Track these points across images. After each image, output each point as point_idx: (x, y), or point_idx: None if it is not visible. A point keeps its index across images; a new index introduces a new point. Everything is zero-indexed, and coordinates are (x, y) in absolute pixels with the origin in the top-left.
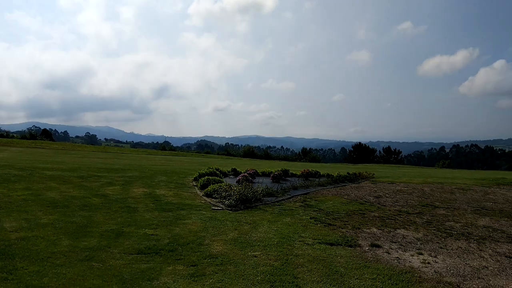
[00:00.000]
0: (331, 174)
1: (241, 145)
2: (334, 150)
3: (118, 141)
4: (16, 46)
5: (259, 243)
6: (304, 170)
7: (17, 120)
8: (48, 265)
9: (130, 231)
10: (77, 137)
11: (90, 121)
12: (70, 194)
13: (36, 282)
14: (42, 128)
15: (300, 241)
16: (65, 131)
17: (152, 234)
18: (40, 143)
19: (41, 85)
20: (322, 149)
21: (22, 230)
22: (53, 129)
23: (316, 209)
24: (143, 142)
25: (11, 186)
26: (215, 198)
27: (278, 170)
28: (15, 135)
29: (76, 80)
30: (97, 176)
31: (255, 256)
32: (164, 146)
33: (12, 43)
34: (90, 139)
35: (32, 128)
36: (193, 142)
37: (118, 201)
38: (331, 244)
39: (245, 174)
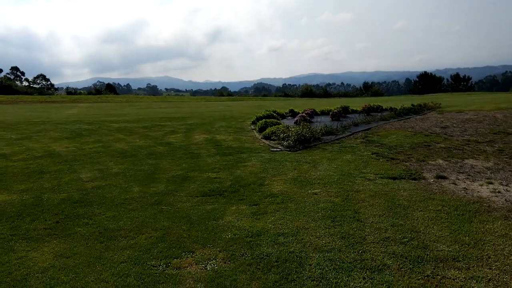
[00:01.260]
0: (394, 108)
1: (299, 85)
2: (397, 82)
3: (178, 90)
4: (73, 2)
5: (318, 181)
6: (365, 105)
7: (83, 77)
8: (122, 210)
9: (194, 176)
10: (139, 89)
11: (150, 72)
12: (137, 144)
13: (113, 225)
14: (106, 82)
15: (361, 177)
16: (128, 84)
17: (215, 178)
18: (105, 97)
19: (100, 40)
20: (385, 82)
21: (97, 179)
22: (116, 83)
23: (378, 144)
24: (201, 90)
25: (83, 140)
26: (274, 140)
27: (338, 108)
28: (82, 91)
29: (132, 32)
30: (160, 125)
31: (315, 194)
32: (221, 92)
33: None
34: (151, 90)
35: (97, 84)
36: (250, 86)
37: (182, 148)
38: (394, 178)
39: (303, 114)
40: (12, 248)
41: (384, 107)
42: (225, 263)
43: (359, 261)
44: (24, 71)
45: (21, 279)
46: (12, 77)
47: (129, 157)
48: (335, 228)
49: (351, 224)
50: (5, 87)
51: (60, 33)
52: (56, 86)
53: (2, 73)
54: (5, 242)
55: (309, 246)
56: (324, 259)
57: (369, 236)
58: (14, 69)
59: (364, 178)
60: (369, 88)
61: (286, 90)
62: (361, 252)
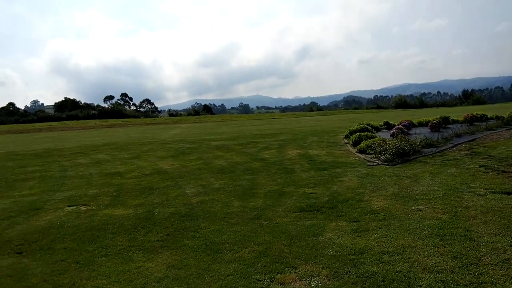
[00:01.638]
0: (501, 116)
1: (391, 96)
2: (502, 88)
3: (268, 108)
4: (172, 32)
5: (422, 196)
6: (467, 114)
7: (182, 100)
8: (225, 224)
9: (290, 191)
10: (232, 108)
11: (242, 92)
12: (234, 160)
13: (218, 239)
14: (202, 104)
15: (469, 192)
16: (222, 104)
17: (311, 193)
18: (203, 118)
19: (197, 65)
20: (487, 88)
21: (200, 194)
22: (212, 103)
23: (485, 156)
24: (290, 106)
25: (186, 157)
26: (369, 154)
27: (437, 118)
28: (182, 113)
29: (226, 55)
30: (254, 142)
31: (420, 210)
32: (311, 107)
33: (169, 30)
34: (243, 109)
35: (195, 105)
36: (339, 99)
37: (276, 163)
38: (508, 194)
39: (399, 126)
40: (131, 258)
41: (489, 116)
42: (329, 280)
43: (476, 284)
44: (132, 97)
45: (140, 287)
46: (122, 102)
47: (228, 173)
48: (444, 247)
49: (463, 243)
50: (117, 112)
51: (162, 60)
52: (159, 109)
53: (114, 99)
54: (125, 252)
55: (417, 266)
56: (435, 281)
57: (485, 257)
58: (124, 95)
59: (473, 193)
60: (470, 96)
61: (378, 102)
62: (477, 274)
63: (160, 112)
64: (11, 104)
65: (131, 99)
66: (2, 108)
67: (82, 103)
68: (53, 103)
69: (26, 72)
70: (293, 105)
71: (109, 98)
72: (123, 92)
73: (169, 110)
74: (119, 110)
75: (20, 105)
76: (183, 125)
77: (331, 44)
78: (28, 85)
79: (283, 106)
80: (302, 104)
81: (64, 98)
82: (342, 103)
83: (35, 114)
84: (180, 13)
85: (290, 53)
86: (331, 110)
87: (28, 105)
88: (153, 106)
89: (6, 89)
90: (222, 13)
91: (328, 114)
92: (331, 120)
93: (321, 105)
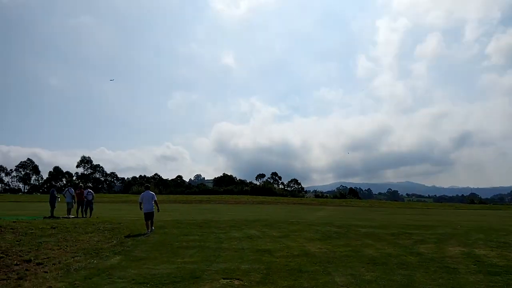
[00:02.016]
0: None
1: None
2: None
3: (420, 196)
4: (324, 118)
5: None
6: None
7: (327, 181)
8: None
9: None
10: (379, 193)
11: (391, 178)
12: (385, 251)
13: None
14: (347, 187)
15: None
16: (368, 189)
17: None
18: (349, 201)
19: (344, 148)
20: None
21: (351, 285)
22: (358, 187)
23: None
24: (446, 196)
25: (334, 242)
26: None
27: None
28: (327, 194)
29: (375, 140)
30: (407, 233)
31: None
32: (472, 199)
33: (321, 115)
34: (391, 195)
35: (340, 187)
36: (506, 193)
37: (435, 260)
38: None
39: None
40: None
41: None
42: None
43: None
44: (281, 176)
45: None
46: (272, 180)
47: (379, 265)
48: None
49: None
50: (267, 189)
51: (311, 143)
52: (305, 189)
53: (265, 177)
54: None
55: None
56: None
57: None
58: (274, 174)
59: None
60: None
61: None
62: None
63: (306, 192)
64: (179, 177)
65: (280, 178)
66: (172, 180)
67: (237, 179)
68: (212, 178)
69: (194, 149)
70: (449, 195)
71: (261, 176)
72: (274, 171)
73: (315, 191)
74: (269, 188)
75: (186, 178)
76: (328, 207)
77: (496, 132)
78: (194, 160)
79: (437, 195)
80: (459, 194)
81: (223, 174)
82: (509, 197)
83: (198, 187)
84: (333, 100)
85: (446, 139)
86: (496, 204)
87: (192, 178)
88: (300, 186)
89: (176, 163)
90: (374, 99)
91: (494, 208)
92: (498, 216)
93: (483, 197)
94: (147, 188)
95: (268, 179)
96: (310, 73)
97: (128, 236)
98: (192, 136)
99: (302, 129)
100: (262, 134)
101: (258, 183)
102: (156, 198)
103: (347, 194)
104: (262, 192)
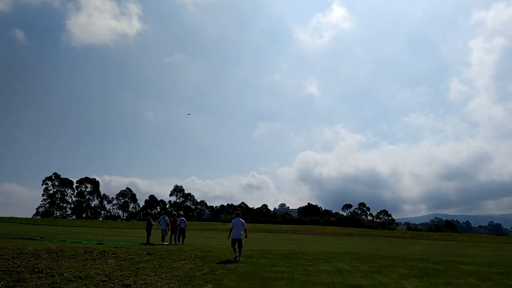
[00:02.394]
0: None
1: None
2: None
3: None
4: (414, 145)
5: None
6: None
7: (420, 213)
8: None
9: None
10: (479, 226)
11: (492, 209)
12: None
13: None
14: (443, 219)
15: None
16: (467, 221)
17: None
18: (446, 235)
19: (438, 177)
20: None
21: None
22: (454, 219)
23: None
24: None
25: (432, 280)
26: None
27: None
28: (421, 227)
29: (473, 168)
30: None
31: None
32: None
33: (410, 143)
34: (494, 229)
35: (435, 220)
36: None
37: None
38: None
39: None
40: None
41: None
42: None
43: None
44: (369, 207)
45: None
46: (359, 211)
47: None
48: None
49: None
50: (354, 220)
51: (401, 171)
52: (396, 221)
53: (352, 208)
54: None
55: None
56: None
57: None
58: (361, 204)
59: None
60: None
61: None
62: None
63: (397, 224)
64: (264, 206)
65: (368, 209)
66: (258, 208)
67: (323, 209)
68: (297, 207)
69: (278, 178)
70: None
71: (347, 206)
72: (360, 201)
73: (407, 223)
74: (357, 219)
75: (271, 207)
76: (423, 241)
77: None
78: (278, 189)
79: None
80: None
81: (307, 203)
82: None
83: (283, 216)
84: (423, 126)
85: None
86: None
87: (277, 207)
88: (390, 217)
89: (261, 192)
90: (470, 124)
91: None
92: None
93: None
94: (238, 216)
95: (356, 210)
96: (397, 98)
97: (217, 264)
98: (276, 165)
99: (390, 157)
100: (348, 162)
101: (344, 214)
102: (246, 226)
103: (443, 227)
104: (349, 224)
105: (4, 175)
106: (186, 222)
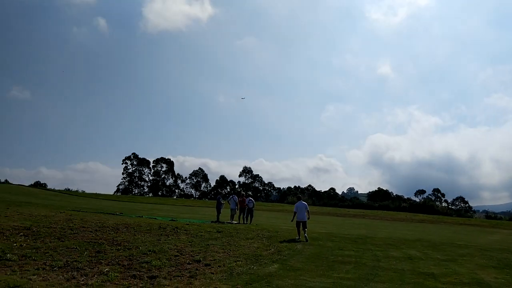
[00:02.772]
0: None
1: None
2: None
3: None
4: (496, 128)
5: None
6: None
7: (501, 201)
8: None
9: None
10: None
11: None
12: None
13: None
14: None
15: None
16: None
17: None
18: None
19: None
20: None
21: None
22: None
23: None
24: None
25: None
26: None
27: None
28: (501, 216)
29: None
30: None
31: None
32: None
33: (492, 126)
34: None
35: None
36: None
37: None
38: None
39: None
40: None
41: None
42: None
43: None
44: (444, 193)
45: None
46: (433, 197)
47: None
48: None
49: None
50: (428, 207)
51: (480, 157)
52: (473, 209)
53: (425, 194)
54: None
55: None
56: None
57: None
58: (436, 190)
59: None
60: None
61: None
62: None
63: (474, 212)
64: (332, 189)
65: (443, 195)
66: (325, 192)
67: (394, 194)
68: (366, 192)
69: (347, 162)
70: None
71: (420, 192)
72: (435, 187)
73: (485, 211)
74: (431, 206)
75: (339, 190)
76: (504, 231)
77: None
78: (347, 173)
79: None
80: None
81: (377, 188)
82: None
83: (351, 201)
84: (507, 108)
85: None
86: None
87: (345, 191)
88: (467, 204)
89: (329, 175)
90: None
91: None
92: None
93: None
94: (299, 199)
95: (429, 196)
96: (478, 78)
97: (283, 244)
98: (345, 148)
99: (469, 141)
100: (422, 146)
101: (417, 200)
102: (308, 208)
103: None
104: (422, 210)
105: (89, 155)
106: (254, 202)
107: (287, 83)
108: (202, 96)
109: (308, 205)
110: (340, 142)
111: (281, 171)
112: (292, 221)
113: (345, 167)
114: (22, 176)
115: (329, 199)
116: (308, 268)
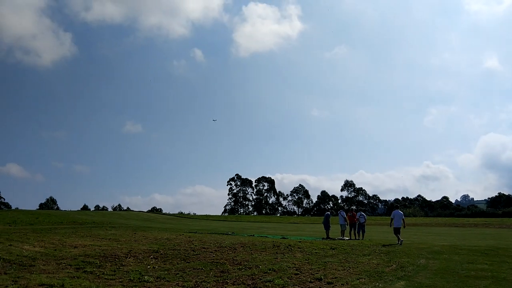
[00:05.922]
0: None
1: None
2: None
3: None
4: None
5: None
6: None
7: None
8: None
9: None
10: None
11: None
12: None
13: None
14: None
15: None
16: None
17: None
18: None
19: None
20: None
21: None
22: None
23: None
24: None
25: None
26: None
27: None
28: None
29: None
30: None
31: None
32: None
33: None
34: None
35: None
36: None
37: None
38: None
39: None
40: None
41: None
42: None
43: None
44: None
45: None
46: None
47: None
48: None
49: None
50: None
51: None
52: None
53: None
54: None
55: None
56: None
57: None
58: None
59: None
60: None
61: None
62: None
63: None
64: (445, 198)
65: None
66: (437, 201)
67: None
68: (483, 198)
69: (458, 167)
70: None
71: None
72: None
73: None
74: None
75: (452, 199)
76: None
77: None
78: (459, 179)
79: None
80: None
81: (498, 193)
82: None
83: (468, 209)
84: None
85: None
86: None
87: (459, 199)
88: None
89: (439, 183)
90: None
91: None
92: None
93: None
94: (396, 208)
95: None
96: None
97: (404, 260)
98: (454, 153)
99: None
100: None
101: None
102: (404, 217)
103: None
104: None
105: (195, 179)
106: (366, 217)
107: (384, 90)
108: (295, 112)
109: (419, 216)
110: (448, 146)
111: (385, 182)
112: (390, 226)
113: (456, 173)
114: (139, 203)
115: (443, 208)
116: (438, 284)
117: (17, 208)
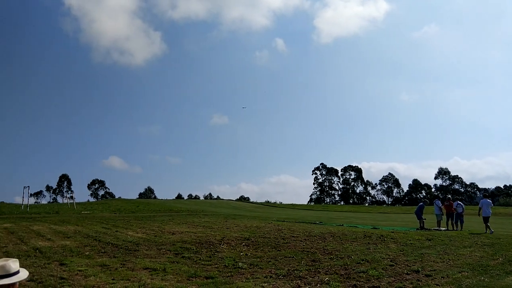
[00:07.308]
0: None
1: None
2: None
3: None
4: None
5: None
6: None
7: None
8: None
9: None
10: None
11: None
12: None
13: None
14: None
15: None
16: None
17: None
18: None
19: None
20: None
21: None
22: None
23: None
24: None
25: None
26: None
27: None
28: None
29: None
30: None
31: None
32: None
33: None
34: None
35: None
36: None
37: None
38: None
39: None
40: None
41: None
42: None
43: None
44: None
45: None
46: None
47: None
48: None
49: None
50: None
51: None
52: None
53: None
54: None
55: None
56: None
57: None
58: None
59: None
60: None
61: None
62: None
63: None
64: None
65: None
66: None
67: None
68: None
69: None
70: None
71: None
72: None
73: None
74: None
75: None
76: None
77: None
78: None
79: None
80: None
81: None
82: None
83: None
84: None
85: None
86: None
87: None
88: None
89: None
90: None
91: None
92: None
93: None
94: (486, 197)
95: None
96: None
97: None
98: None
99: None
100: None
101: None
102: (492, 205)
103: None
104: None
105: (280, 168)
106: (464, 207)
107: (479, 69)
108: (383, 97)
109: None
110: None
111: (483, 169)
112: (478, 215)
113: None
114: (227, 192)
115: None
116: None
117: (120, 197)
